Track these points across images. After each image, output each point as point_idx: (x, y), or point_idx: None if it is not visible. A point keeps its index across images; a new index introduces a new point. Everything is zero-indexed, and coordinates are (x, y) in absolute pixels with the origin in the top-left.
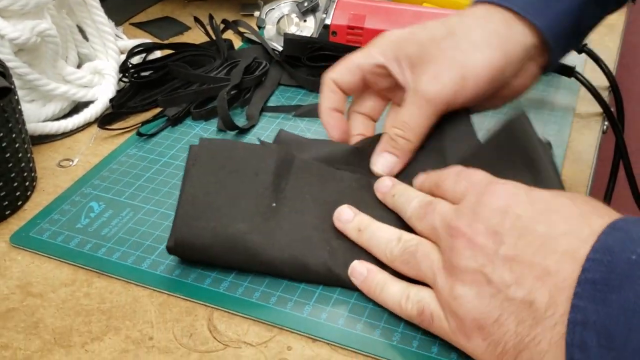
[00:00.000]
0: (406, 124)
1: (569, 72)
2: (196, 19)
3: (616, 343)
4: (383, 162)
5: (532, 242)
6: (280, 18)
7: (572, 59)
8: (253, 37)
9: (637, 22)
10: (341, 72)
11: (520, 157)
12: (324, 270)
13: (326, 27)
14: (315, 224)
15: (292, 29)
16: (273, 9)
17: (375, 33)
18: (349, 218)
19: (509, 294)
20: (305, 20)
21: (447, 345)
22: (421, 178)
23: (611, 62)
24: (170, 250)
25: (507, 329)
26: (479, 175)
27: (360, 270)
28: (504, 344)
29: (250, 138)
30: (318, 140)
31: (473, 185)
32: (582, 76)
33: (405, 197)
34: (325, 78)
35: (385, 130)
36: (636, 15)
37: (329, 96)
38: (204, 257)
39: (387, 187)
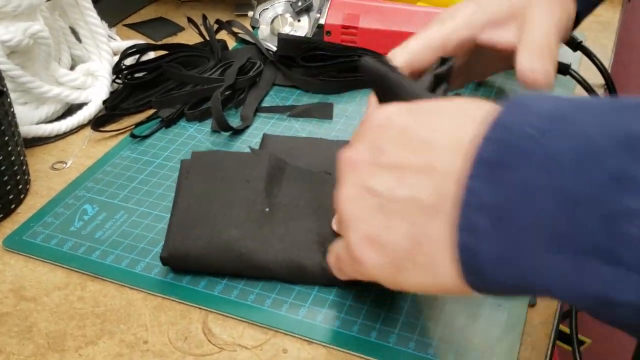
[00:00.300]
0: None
1: (564, 69)
2: (189, 20)
3: (509, 223)
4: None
5: (413, 146)
6: (274, 18)
7: (568, 56)
8: (247, 38)
9: (632, 19)
10: (418, 51)
11: None
12: (319, 271)
13: (320, 26)
14: (308, 227)
15: (286, 29)
16: (267, 8)
17: (370, 33)
18: None
19: (394, 196)
20: (299, 20)
21: (444, 348)
22: None
23: (606, 60)
24: (165, 260)
25: (399, 233)
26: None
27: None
28: (399, 249)
29: (245, 139)
30: (305, 139)
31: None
32: (577, 74)
33: None
34: (395, 59)
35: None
36: (631, 13)
37: None
38: (199, 266)
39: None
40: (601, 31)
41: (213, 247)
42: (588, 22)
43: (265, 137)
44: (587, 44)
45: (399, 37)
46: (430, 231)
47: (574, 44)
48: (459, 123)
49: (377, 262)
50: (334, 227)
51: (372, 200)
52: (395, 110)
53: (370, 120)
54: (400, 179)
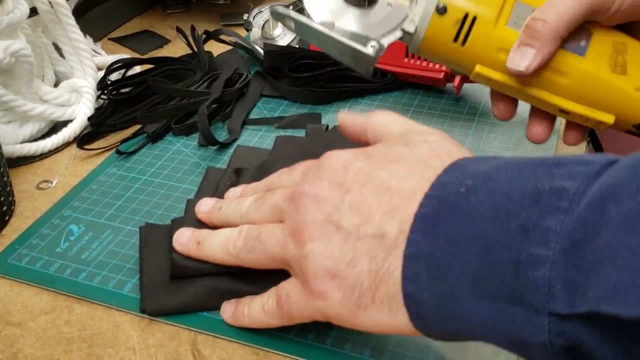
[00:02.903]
0: (547, 7)
1: None
2: (178, 29)
3: (442, 270)
4: (518, 57)
5: (377, 187)
6: (266, 22)
7: None
8: (240, 42)
9: None
10: (573, 10)
11: None
12: None
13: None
14: None
15: (277, 32)
16: (261, 11)
17: None
18: (187, 236)
19: (359, 233)
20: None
21: None
22: (250, 187)
23: None
24: (145, 312)
25: (361, 269)
26: (311, 160)
27: (227, 310)
28: (360, 285)
29: (232, 152)
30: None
31: (308, 164)
32: None
33: (235, 204)
34: (549, 25)
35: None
36: None
37: (548, 51)
38: (183, 311)
39: (208, 205)
40: None
41: (192, 293)
42: None
43: (238, 148)
44: None
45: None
46: (390, 266)
47: None
48: (419, 171)
49: (337, 297)
50: (176, 246)
51: (337, 235)
52: (350, 153)
53: (328, 161)
54: (367, 218)
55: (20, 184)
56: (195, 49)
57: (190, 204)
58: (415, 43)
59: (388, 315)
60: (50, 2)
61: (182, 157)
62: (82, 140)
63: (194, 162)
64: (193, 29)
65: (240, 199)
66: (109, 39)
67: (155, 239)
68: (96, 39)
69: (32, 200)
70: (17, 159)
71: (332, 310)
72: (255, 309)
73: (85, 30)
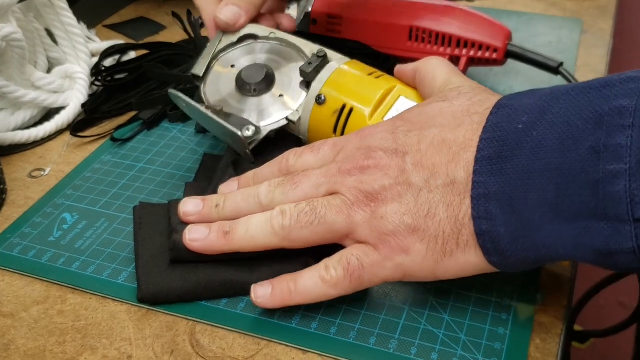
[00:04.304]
0: None
1: (555, 69)
2: (174, 14)
3: (517, 205)
4: (228, 10)
5: (432, 143)
6: None
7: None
8: None
9: (630, 2)
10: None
11: None
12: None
13: (307, 15)
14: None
15: None
16: None
17: (355, 22)
18: (204, 231)
19: (430, 186)
20: (289, 8)
21: (447, 353)
22: (247, 177)
23: (605, 46)
24: (142, 301)
25: (440, 218)
26: (339, 138)
27: (262, 291)
28: (442, 233)
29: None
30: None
31: (337, 141)
32: (568, 73)
33: (243, 195)
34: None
35: None
36: None
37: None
38: (180, 300)
39: (196, 205)
40: (599, 16)
41: (192, 282)
42: (585, 7)
43: (205, 156)
44: (585, 28)
45: (385, 28)
46: (468, 208)
47: (555, 68)
48: (466, 119)
49: (421, 249)
50: (192, 244)
51: (409, 193)
52: (388, 121)
53: (371, 132)
54: (433, 170)
55: (13, 172)
56: (192, 34)
57: (189, 188)
58: (302, 132)
59: (475, 254)
60: None
61: (179, 144)
62: (76, 127)
63: (191, 149)
64: (189, 13)
65: (247, 191)
66: (103, 26)
67: (150, 220)
68: (90, 26)
69: (24, 188)
70: (9, 147)
71: (414, 264)
72: (311, 282)
73: (80, 17)
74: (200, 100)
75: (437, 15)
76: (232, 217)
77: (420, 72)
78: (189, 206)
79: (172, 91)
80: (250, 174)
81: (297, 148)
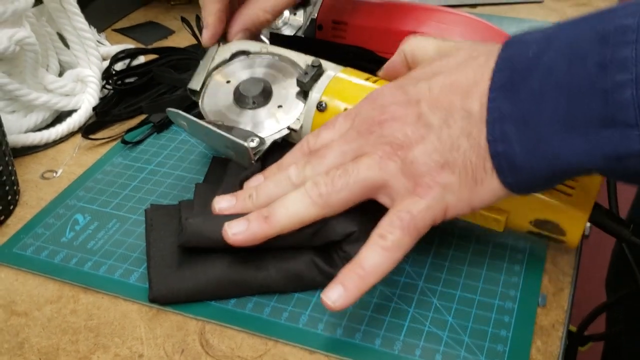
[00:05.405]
0: None
1: None
2: (183, 19)
3: (530, 122)
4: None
5: (443, 86)
6: None
7: None
8: None
9: None
10: None
11: None
12: (317, 274)
13: (313, 21)
14: (283, 237)
15: (282, 22)
16: None
17: (359, 28)
18: (243, 223)
19: (449, 122)
20: (295, 14)
21: (451, 355)
22: (273, 167)
23: None
24: (153, 301)
25: (464, 148)
26: (349, 110)
27: (336, 294)
28: (470, 162)
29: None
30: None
31: (348, 112)
32: None
33: (275, 182)
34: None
35: None
36: None
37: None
38: (191, 300)
39: (230, 201)
40: None
41: (202, 282)
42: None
43: (214, 159)
44: None
45: (390, 35)
46: (485, 137)
47: None
48: (470, 65)
49: (455, 181)
50: (231, 238)
51: (430, 133)
52: (398, 81)
53: (382, 92)
54: (449, 106)
55: (25, 173)
56: (200, 39)
57: (199, 189)
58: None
59: (495, 179)
60: None
61: (188, 147)
62: (87, 130)
63: (200, 152)
64: (198, 18)
65: (276, 176)
66: (113, 30)
67: (161, 221)
68: (100, 30)
69: (36, 190)
70: (22, 148)
71: (453, 196)
72: (375, 256)
73: (90, 21)
74: (199, 116)
75: (440, 21)
76: (267, 203)
77: (408, 52)
78: (223, 203)
79: (170, 110)
80: (273, 166)
81: (313, 131)
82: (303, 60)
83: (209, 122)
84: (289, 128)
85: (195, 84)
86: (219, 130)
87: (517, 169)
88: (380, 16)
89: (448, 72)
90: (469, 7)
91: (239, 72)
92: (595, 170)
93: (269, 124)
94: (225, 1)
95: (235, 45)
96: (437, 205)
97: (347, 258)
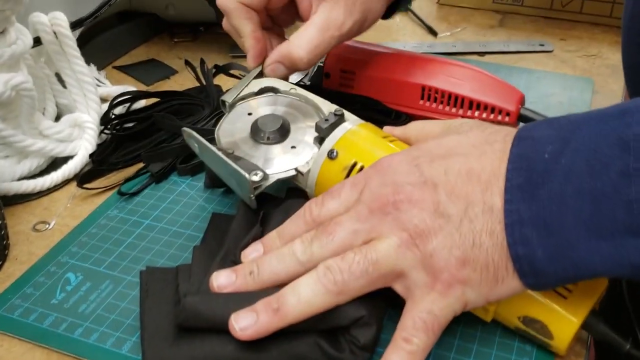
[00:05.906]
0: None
1: None
2: (187, 62)
3: (552, 227)
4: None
5: (460, 173)
6: None
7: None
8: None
9: None
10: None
11: None
12: (320, 357)
13: (320, 68)
14: None
15: None
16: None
17: (368, 78)
18: (251, 316)
19: (470, 215)
20: None
21: None
22: (270, 237)
23: None
24: None
25: (486, 246)
26: (355, 176)
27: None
28: (492, 261)
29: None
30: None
31: (354, 180)
32: None
33: (278, 257)
34: (230, 6)
35: None
36: None
37: (247, 22)
38: None
39: (229, 277)
40: (609, 75)
41: (201, 357)
42: (596, 65)
43: (214, 216)
44: (596, 89)
45: (398, 86)
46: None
47: None
48: (488, 150)
49: (476, 278)
50: (236, 334)
51: (449, 225)
52: (407, 154)
53: (391, 166)
54: (468, 200)
55: (16, 224)
56: (204, 82)
57: (197, 253)
58: (309, 185)
59: (516, 278)
60: (54, 33)
61: (187, 199)
62: (83, 178)
63: (199, 206)
64: (202, 62)
65: (280, 251)
66: (113, 67)
67: (157, 287)
68: (100, 68)
69: (27, 243)
70: (14, 196)
71: (472, 292)
72: (400, 354)
73: (89, 57)
74: (212, 142)
75: (450, 75)
76: (270, 282)
77: (412, 133)
78: (222, 279)
79: (185, 129)
80: (273, 233)
81: (315, 198)
82: (327, 107)
83: (219, 149)
84: (296, 170)
85: (229, 96)
86: (225, 158)
87: (539, 272)
88: (389, 67)
89: (464, 156)
90: (477, 55)
91: (262, 107)
92: (621, 276)
93: (279, 162)
94: (256, 20)
95: (266, 81)
96: (457, 302)
97: (355, 342)
